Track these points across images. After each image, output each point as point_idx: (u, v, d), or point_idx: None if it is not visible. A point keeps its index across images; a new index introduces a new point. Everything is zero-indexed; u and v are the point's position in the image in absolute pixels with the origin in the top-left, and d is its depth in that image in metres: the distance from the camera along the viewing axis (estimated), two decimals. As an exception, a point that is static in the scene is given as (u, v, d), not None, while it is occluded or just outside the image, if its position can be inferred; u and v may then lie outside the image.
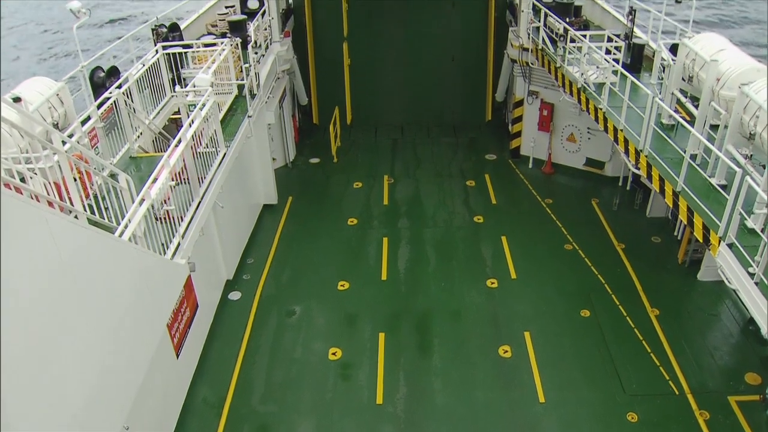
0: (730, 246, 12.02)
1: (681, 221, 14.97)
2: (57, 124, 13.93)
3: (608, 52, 20.02)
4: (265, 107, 22.97)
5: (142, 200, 11.47)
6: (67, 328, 8.61)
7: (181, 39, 21.62)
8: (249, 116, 19.42)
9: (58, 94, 13.99)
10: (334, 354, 17.39)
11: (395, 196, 25.19)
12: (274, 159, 25.46)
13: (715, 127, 14.68)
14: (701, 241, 13.43)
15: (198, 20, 25.76)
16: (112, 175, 12.19)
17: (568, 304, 18.97)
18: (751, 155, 13.28)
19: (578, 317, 18.41)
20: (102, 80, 17.28)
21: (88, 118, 14.33)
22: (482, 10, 28.73)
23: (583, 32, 21.01)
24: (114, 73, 17.92)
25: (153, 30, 21.06)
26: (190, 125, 14.38)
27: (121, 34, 25.21)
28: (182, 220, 13.63)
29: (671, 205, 14.83)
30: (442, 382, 16.49)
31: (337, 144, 28.55)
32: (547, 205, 24.00)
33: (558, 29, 22.41)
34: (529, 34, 24.42)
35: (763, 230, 11.64)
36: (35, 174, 10.47)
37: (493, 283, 20.00)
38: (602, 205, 23.82)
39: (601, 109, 18.79)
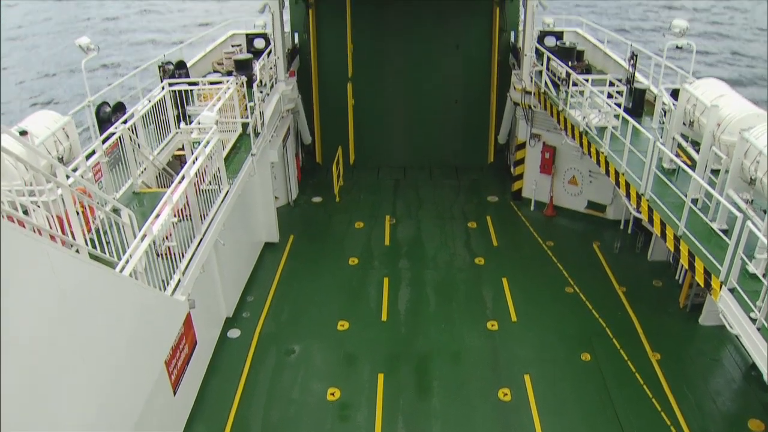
0: (732, 291, 11.98)
1: (682, 265, 14.93)
2: (62, 157, 14.03)
3: (610, 96, 20.23)
4: (269, 146, 23.08)
5: (144, 236, 11.48)
6: (64, 362, 8.55)
7: (188, 76, 21.89)
8: (252, 154, 19.53)
9: (64, 128, 14.12)
10: (332, 394, 17.21)
11: (397, 236, 25.18)
12: (276, 197, 25.53)
13: (716, 172, 14.74)
14: (702, 285, 13.39)
15: (204, 58, 26.10)
16: (115, 210, 12.23)
17: (568, 347, 18.82)
18: (752, 200, 13.32)
19: (579, 361, 18.25)
20: (108, 115, 17.45)
21: (93, 152, 14.43)
22: (486, 53, 29.06)
23: (586, 76, 21.27)
24: (120, 108, 18.12)
25: (160, 67, 21.32)
26: (194, 162, 14.45)
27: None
28: (183, 256, 13.62)
29: (672, 250, 14.83)
30: (441, 424, 16.30)
31: (339, 184, 28.65)
32: (548, 248, 23.97)
33: (560, 73, 22.66)
34: (531, 78, 24.67)
35: (764, 275, 11.60)
36: (38, 207, 10.50)
37: (493, 325, 19.88)
38: (604, 248, 23.79)
39: (602, 152, 18.88)
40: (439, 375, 17.95)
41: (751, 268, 12.08)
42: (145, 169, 16.73)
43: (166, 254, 12.77)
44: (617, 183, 18.01)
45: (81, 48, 14.97)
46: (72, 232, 10.20)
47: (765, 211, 12.79)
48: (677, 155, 16.85)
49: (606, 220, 25.52)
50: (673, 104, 17.13)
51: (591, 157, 20.09)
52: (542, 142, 25.95)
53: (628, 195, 17.30)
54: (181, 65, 22.38)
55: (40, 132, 13.38)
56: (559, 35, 27.58)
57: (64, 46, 60.60)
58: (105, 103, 17.74)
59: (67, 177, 10.61)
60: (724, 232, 13.47)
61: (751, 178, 12.99)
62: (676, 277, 21.40)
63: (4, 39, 63.58)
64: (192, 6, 75.64)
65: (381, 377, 17.81)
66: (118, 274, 10.41)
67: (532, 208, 26.88)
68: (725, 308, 12.20)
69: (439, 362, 18.41)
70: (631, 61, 21.34)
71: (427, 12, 28.52)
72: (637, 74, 21.63)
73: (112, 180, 14.99)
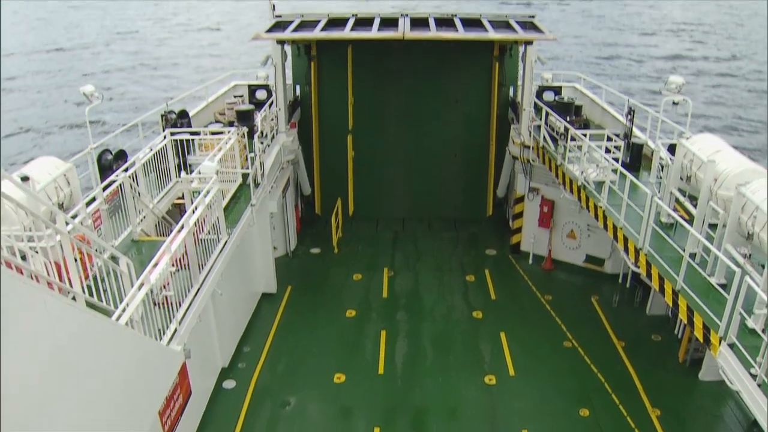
0: (731, 346, 11.91)
1: (681, 320, 14.89)
2: (62, 203, 14.07)
3: (608, 151, 20.41)
4: (269, 196, 23.18)
5: (142, 285, 11.45)
6: (57, 411, 8.43)
7: (189, 126, 22.08)
8: (252, 205, 19.60)
9: (65, 175, 14.19)
10: None
11: (395, 289, 25.10)
12: (275, 248, 25.54)
13: (713, 226, 14.80)
14: (702, 341, 13.32)
15: (207, 108, 26.38)
16: (113, 258, 12.21)
17: (567, 402, 18.62)
18: (750, 254, 13.34)
19: (577, 416, 18.03)
20: (109, 163, 17.56)
21: (93, 199, 14.49)
22: (485, 107, 29.38)
23: (584, 131, 21.48)
24: (121, 156, 18.24)
25: (162, 116, 21.54)
26: (194, 212, 14.50)
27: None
28: (180, 305, 13.56)
29: (671, 304, 14.79)
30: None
31: (338, 235, 28.68)
32: (546, 302, 23.89)
33: (559, 128, 22.90)
34: (530, 132, 24.91)
35: (764, 330, 11.57)
36: (36, 252, 10.49)
37: (491, 379, 19.69)
38: (602, 302, 23.72)
39: (600, 206, 18.97)
40: (436, 429, 17.73)
41: (750, 323, 12.04)
42: (144, 217, 16.77)
43: (163, 303, 12.72)
44: (615, 237, 18.05)
45: (85, 96, 15.15)
46: (69, 279, 10.17)
47: (763, 266, 12.78)
48: (675, 210, 16.94)
49: (604, 273, 25.50)
50: (671, 159, 17.28)
51: (589, 211, 20.17)
52: (541, 196, 26.08)
53: (626, 249, 17.33)
54: (183, 114, 22.61)
55: (42, 178, 13.45)
56: (557, 90, 27.97)
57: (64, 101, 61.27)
58: (107, 150, 17.87)
59: (67, 224, 10.61)
60: (723, 286, 13.46)
61: (748, 233, 13.04)
62: (676, 332, 21.29)
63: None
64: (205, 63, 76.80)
65: (377, 431, 17.58)
66: (114, 323, 10.35)
67: (530, 261, 26.86)
68: (725, 364, 12.11)
69: (436, 416, 18.19)
70: (629, 117, 21.59)
71: (428, 66, 28.93)
72: (634, 129, 21.87)
73: (112, 227, 15.02)
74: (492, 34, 23.81)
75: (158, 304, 12.51)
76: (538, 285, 25.06)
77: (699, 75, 68.11)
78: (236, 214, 18.75)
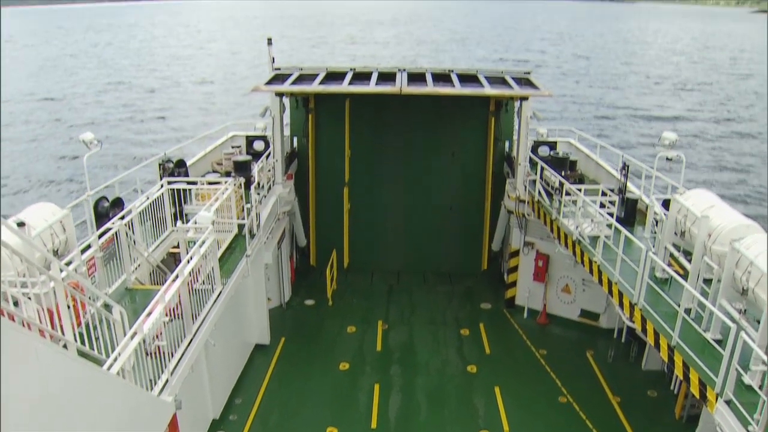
0: (728, 403, 11.82)
1: (677, 375, 14.78)
2: (57, 250, 14.06)
3: (602, 206, 20.53)
4: (264, 247, 23.17)
5: (134, 334, 11.37)
6: None
7: (187, 175, 22.19)
8: (247, 256, 19.59)
9: (61, 221, 14.21)
10: None
11: (389, 342, 24.90)
12: (269, 299, 25.41)
13: (708, 281, 14.83)
14: (698, 397, 13.21)
15: (204, 158, 26.54)
16: (107, 306, 12.15)
17: None
18: (746, 310, 13.34)
19: None
20: (106, 210, 17.60)
21: (89, 246, 14.47)
22: (481, 161, 29.61)
23: (578, 186, 21.65)
24: (118, 204, 18.30)
25: (160, 165, 21.66)
26: (189, 262, 14.48)
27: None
28: (173, 356, 13.44)
29: (667, 360, 14.71)
30: None
31: (333, 287, 28.57)
32: (541, 356, 23.71)
33: (554, 183, 23.07)
34: (525, 187, 25.06)
35: (761, 387, 11.48)
36: (29, 299, 10.44)
37: None
38: (597, 357, 23.54)
39: (595, 261, 19.00)
40: None
41: (747, 379, 11.96)
42: (139, 265, 16.73)
43: (155, 353, 12.61)
44: (610, 292, 18.04)
45: (84, 143, 15.28)
46: (62, 327, 10.10)
47: (758, 321, 12.76)
48: (669, 265, 16.99)
49: (599, 328, 25.38)
50: (665, 214, 17.39)
51: (584, 265, 20.19)
52: (536, 250, 26.11)
53: (621, 304, 17.30)
54: (180, 164, 22.75)
55: (38, 224, 13.46)
56: (552, 145, 28.27)
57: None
58: (104, 197, 17.94)
59: (61, 271, 10.58)
60: (719, 342, 13.42)
61: (743, 288, 13.06)
62: (672, 387, 21.09)
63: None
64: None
65: None
66: (106, 372, 10.25)
67: (525, 315, 26.74)
68: (722, 421, 12.00)
69: None
70: (623, 172, 21.77)
71: (424, 120, 29.24)
72: (629, 184, 22.04)
73: (106, 275, 14.98)
74: (488, 90, 24.13)
75: (150, 353, 12.39)
76: (533, 339, 24.90)
77: (698, 135, 68.99)
78: (231, 265, 18.72)
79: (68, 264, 12.99)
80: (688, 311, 14.59)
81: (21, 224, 11.73)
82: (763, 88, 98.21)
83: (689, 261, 15.85)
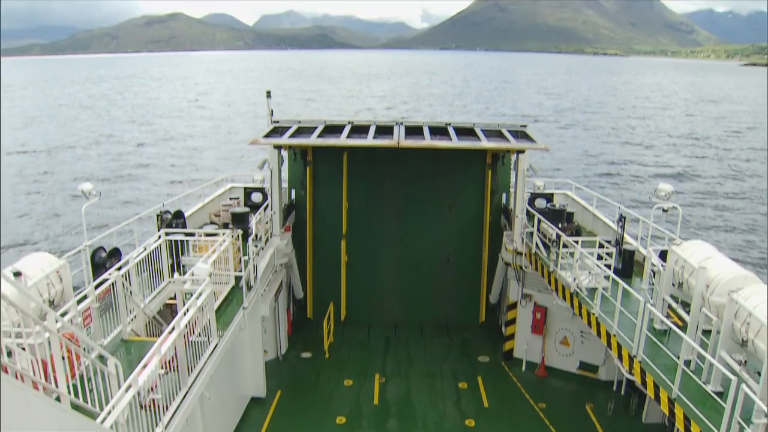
0: None
1: (678, 429, 14.57)
2: (53, 300, 13.99)
3: (600, 257, 20.54)
4: (261, 300, 23.07)
5: (129, 387, 11.24)
6: None
7: (185, 226, 22.23)
8: (244, 308, 19.50)
9: (58, 271, 14.18)
10: None
11: (386, 395, 24.61)
12: (265, 351, 25.19)
13: (707, 333, 14.75)
14: (701, 451, 13.02)
15: (202, 209, 26.60)
16: (101, 358, 12.04)
17: None
18: (746, 361, 13.24)
19: None
20: (103, 260, 17.59)
21: (85, 297, 14.41)
22: (478, 213, 29.72)
23: (575, 238, 21.69)
24: (115, 254, 18.28)
25: (158, 216, 21.71)
26: (185, 314, 14.41)
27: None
28: (168, 409, 13.27)
29: (667, 413, 14.54)
30: None
31: (329, 340, 28.35)
32: (540, 410, 23.41)
33: (551, 235, 23.12)
34: (522, 239, 25.11)
35: (763, 440, 11.33)
36: (24, 350, 10.36)
37: None
38: (597, 410, 23.24)
39: (593, 313, 18.93)
40: None
41: (749, 432, 11.81)
42: (135, 316, 16.63)
43: (149, 406, 12.45)
44: (609, 344, 17.92)
45: (83, 193, 15.35)
46: (56, 378, 10.00)
47: (759, 373, 12.65)
48: (668, 316, 16.91)
49: (599, 381, 25.13)
50: (662, 266, 17.39)
51: (582, 318, 20.10)
52: (533, 303, 26.03)
53: (620, 356, 17.17)
54: (178, 215, 22.81)
55: (34, 274, 13.43)
56: (549, 197, 28.43)
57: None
58: (101, 248, 17.93)
59: (56, 322, 10.53)
60: (720, 394, 13.28)
61: (743, 340, 12.99)
62: (673, 442, 20.80)
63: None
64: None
65: None
66: (99, 425, 10.10)
67: (523, 368, 26.50)
68: None
69: None
70: (620, 223, 21.86)
71: (422, 173, 29.45)
72: (626, 236, 22.09)
73: (101, 326, 14.88)
74: (485, 143, 24.35)
75: (145, 406, 12.23)
76: (531, 392, 24.63)
77: (697, 188, 69.52)
78: (228, 317, 18.62)
79: (64, 315, 12.92)
80: (687, 363, 14.49)
81: (17, 274, 11.69)
82: (760, 141, 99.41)
83: (688, 312, 15.79)
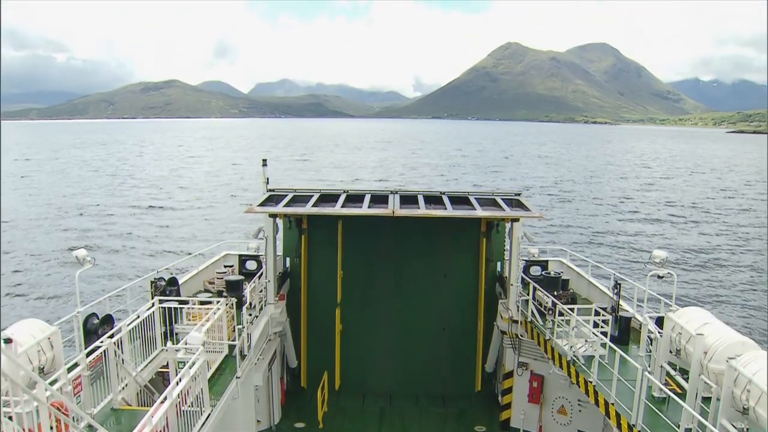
0: None
1: (680, 501, 14.27)
2: (43, 367, 13.80)
3: (596, 325, 20.45)
4: (254, 369, 22.80)
5: None
6: None
7: (179, 294, 22.11)
8: (237, 377, 19.25)
9: (49, 338, 14.03)
10: None
11: (381, 467, 24.10)
12: (258, 421, 24.77)
13: (707, 400, 14.57)
14: None
15: (196, 276, 26.48)
16: (91, 428, 11.82)
17: None
18: (748, 429, 13.05)
19: None
20: (95, 327, 17.42)
21: (76, 364, 14.22)
22: (473, 281, 29.65)
23: (571, 306, 21.62)
24: (108, 321, 18.12)
25: (152, 283, 21.62)
26: (177, 383, 14.22)
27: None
28: None
29: None
30: None
31: (323, 409, 27.87)
32: (539, 482, 22.93)
33: (546, 303, 23.05)
34: (518, 307, 25.00)
35: None
36: (11, 419, 10.16)
37: None
38: None
39: (591, 382, 18.73)
40: None
41: (752, 503, 11.56)
42: (126, 384, 16.38)
43: None
44: (607, 413, 17.68)
45: (77, 260, 15.31)
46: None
47: None
48: (666, 384, 16.73)
49: None
50: (659, 332, 17.31)
51: (579, 386, 19.88)
52: (530, 371, 25.73)
53: (619, 425, 16.91)
54: (172, 282, 22.72)
55: (25, 340, 13.28)
56: (544, 265, 28.45)
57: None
58: (93, 314, 17.79)
59: (45, 390, 10.36)
60: None
61: (743, 407, 12.82)
62: None
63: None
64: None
65: None
66: None
67: (521, 438, 26.04)
68: None
69: None
70: (616, 290, 21.83)
71: (417, 242, 29.49)
72: (621, 302, 22.04)
73: (92, 394, 14.63)
74: (479, 212, 24.50)
75: None
76: None
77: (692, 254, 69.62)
78: (221, 386, 18.36)
79: (54, 383, 12.71)
80: (688, 431, 14.26)
81: (8, 341, 11.56)
82: (757, 207, 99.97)
83: (686, 380, 15.64)
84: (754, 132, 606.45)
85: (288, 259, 30.10)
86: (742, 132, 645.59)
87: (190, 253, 29.77)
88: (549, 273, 26.80)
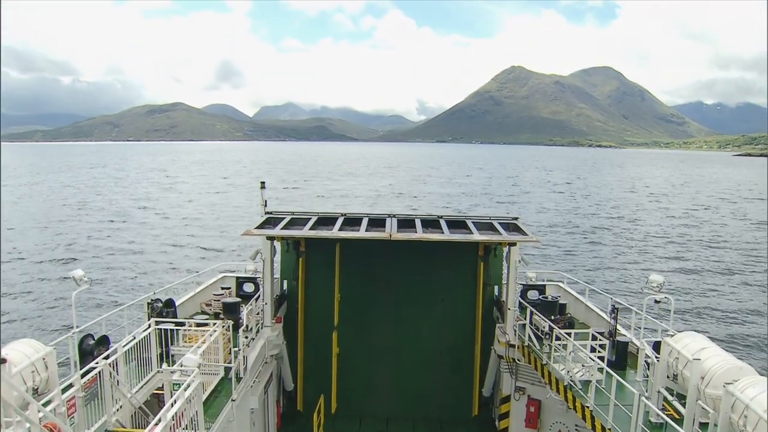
0: None
1: None
2: (37, 388, 13.73)
3: (593, 349, 20.39)
4: (250, 391, 22.67)
5: None
6: None
7: (175, 315, 22.05)
8: (233, 400, 19.15)
9: (44, 358, 13.97)
10: None
11: (377, 493, 23.85)
12: None
13: (704, 425, 14.50)
14: None
15: (193, 298, 26.42)
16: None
17: None
18: (744, 455, 12.97)
19: None
20: (91, 348, 17.36)
21: (71, 385, 14.16)
22: (470, 306, 29.58)
23: (568, 330, 21.59)
24: (104, 342, 18.05)
25: (148, 304, 21.58)
26: (172, 405, 14.15)
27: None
28: None
29: None
30: None
31: None
32: (536, 508, 22.71)
33: (543, 327, 23.00)
34: (515, 331, 24.93)
35: None
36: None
37: None
38: None
39: (588, 407, 18.65)
40: None
41: None
42: (121, 406, 16.29)
43: None
44: None
45: (74, 280, 15.29)
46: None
47: None
48: (663, 409, 16.65)
49: None
50: (656, 357, 17.27)
51: (576, 411, 19.78)
52: (527, 396, 25.58)
53: None
54: (169, 304, 22.68)
55: (20, 360, 13.22)
56: (541, 289, 28.41)
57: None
58: (89, 335, 17.73)
59: (38, 412, 10.32)
60: None
61: (741, 433, 12.77)
62: None
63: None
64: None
65: None
66: None
67: (518, 463, 25.83)
68: None
69: None
70: (613, 314, 21.81)
71: (414, 265, 29.47)
72: (619, 327, 22.01)
73: (86, 416, 14.53)
74: (476, 236, 24.51)
75: None
76: None
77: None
78: (216, 409, 18.26)
79: (47, 403, 12.64)
80: None
81: (2, 360, 11.50)
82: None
83: (683, 405, 15.57)
84: (761, 155, 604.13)
85: (285, 282, 30.05)
86: (749, 155, 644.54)
87: (188, 274, 29.67)
88: (546, 297, 26.79)
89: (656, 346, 18.39)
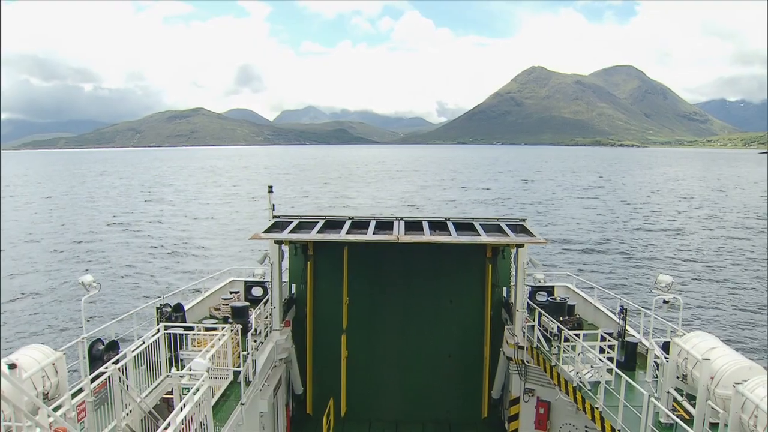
0: None
1: None
2: (47, 393, 13.79)
3: (602, 350, 20.33)
4: (259, 395, 22.70)
5: None
6: None
7: (184, 320, 22.11)
8: (242, 404, 19.19)
9: (54, 364, 14.03)
10: None
11: (387, 496, 23.80)
12: None
13: (714, 426, 14.44)
14: None
15: (202, 302, 26.47)
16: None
17: None
18: (755, 455, 12.91)
19: None
20: (100, 353, 17.43)
21: (80, 390, 14.21)
22: (478, 307, 29.55)
23: (577, 331, 21.53)
24: (113, 347, 18.12)
25: (157, 309, 21.65)
26: (182, 409, 14.19)
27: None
28: None
29: None
30: None
31: None
32: None
33: (552, 328, 22.94)
34: (524, 333, 24.89)
35: None
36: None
37: None
38: None
39: (597, 408, 18.60)
40: None
41: None
42: (130, 411, 16.32)
43: None
44: None
45: (83, 285, 15.37)
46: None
47: None
48: (673, 409, 16.60)
49: None
50: (665, 357, 17.21)
51: (586, 413, 19.72)
52: (536, 397, 25.53)
53: None
54: (178, 308, 22.74)
55: (30, 366, 13.28)
56: (550, 290, 28.34)
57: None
58: (99, 340, 17.80)
59: (48, 416, 10.36)
60: None
61: (751, 433, 12.71)
62: None
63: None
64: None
65: None
66: None
67: (528, 465, 25.76)
68: None
69: None
70: (622, 315, 21.75)
71: (422, 268, 29.46)
72: (628, 327, 21.94)
73: (96, 420, 14.58)
74: (484, 238, 24.49)
75: None
76: None
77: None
78: (225, 413, 18.30)
79: (58, 408, 12.69)
80: None
81: (12, 366, 11.57)
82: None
83: (693, 405, 15.51)
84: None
85: (294, 286, 30.11)
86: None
87: (197, 278, 29.70)
88: (555, 298, 26.73)
89: (665, 347, 18.33)
